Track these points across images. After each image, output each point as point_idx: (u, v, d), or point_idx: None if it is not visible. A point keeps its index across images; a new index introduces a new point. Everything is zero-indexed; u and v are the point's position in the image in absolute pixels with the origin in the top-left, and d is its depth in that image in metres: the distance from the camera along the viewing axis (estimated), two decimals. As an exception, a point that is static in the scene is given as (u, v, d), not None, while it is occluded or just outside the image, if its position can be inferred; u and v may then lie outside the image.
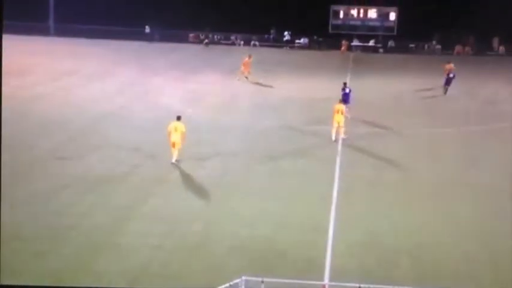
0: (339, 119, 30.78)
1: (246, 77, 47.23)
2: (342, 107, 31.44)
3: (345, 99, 37.55)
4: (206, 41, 70.59)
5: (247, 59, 48.32)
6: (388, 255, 18.51)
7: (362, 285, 14.77)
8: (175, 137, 26.30)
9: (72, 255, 17.77)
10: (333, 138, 30.68)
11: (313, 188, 23.91)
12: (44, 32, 68.31)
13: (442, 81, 44.62)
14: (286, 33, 71.95)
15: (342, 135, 30.91)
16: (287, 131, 32.60)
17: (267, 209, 21.66)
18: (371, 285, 15.00)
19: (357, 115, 33.78)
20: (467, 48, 68.42)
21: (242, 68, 47.84)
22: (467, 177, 25.73)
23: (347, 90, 37.97)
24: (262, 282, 14.69)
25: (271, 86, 45.97)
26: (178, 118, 26.84)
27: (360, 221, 20.82)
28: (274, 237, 19.40)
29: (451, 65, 46.32)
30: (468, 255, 18.66)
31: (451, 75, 44.72)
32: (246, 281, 14.70)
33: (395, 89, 46.08)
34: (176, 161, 26.34)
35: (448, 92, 44.04)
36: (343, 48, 68.02)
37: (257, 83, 46.75)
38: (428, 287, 15.85)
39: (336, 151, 28.90)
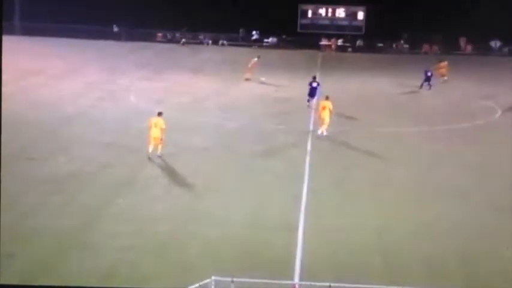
0: (325, 116, 31.12)
1: (248, 79, 47.18)
2: (328, 103, 31.53)
3: (312, 93, 37.80)
4: (184, 40, 70.21)
5: (256, 59, 48.26)
6: (358, 254, 18.45)
7: (332, 285, 14.63)
8: (156, 133, 26.51)
9: (39, 256, 17.46)
10: (320, 133, 31.13)
11: (284, 187, 23.80)
12: (9, 30, 67.29)
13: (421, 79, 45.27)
14: (254, 32, 71.91)
15: (324, 132, 31.18)
16: (257, 131, 32.48)
17: (238, 209, 21.49)
18: (341, 284, 14.90)
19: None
20: (434, 48, 68.97)
21: (250, 66, 47.79)
22: (435, 176, 25.81)
23: (314, 84, 38.28)
24: (232, 282, 14.53)
25: (240, 85, 45.84)
26: (159, 114, 27.02)
27: (330, 220, 20.75)
28: (244, 237, 19.24)
29: (445, 63, 46.71)
30: (438, 252, 18.61)
31: (429, 74, 45.23)
32: (216, 281, 14.51)
33: (364, 88, 46.30)
34: (158, 156, 26.48)
35: (422, 90, 44.84)
36: (332, 46, 68.24)
37: (226, 83, 46.60)
38: (400, 285, 15.77)
39: (306, 150, 28.84)
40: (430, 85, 45.54)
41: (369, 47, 69.50)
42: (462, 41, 69.80)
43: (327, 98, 32.22)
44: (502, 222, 20.86)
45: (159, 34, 71.28)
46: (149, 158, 26.28)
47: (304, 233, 19.64)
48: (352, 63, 60.37)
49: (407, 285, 15.32)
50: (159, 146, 26.76)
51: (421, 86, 45.68)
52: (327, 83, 41.89)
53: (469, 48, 69.26)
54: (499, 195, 23.43)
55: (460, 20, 64.24)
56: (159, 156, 26.52)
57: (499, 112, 38.45)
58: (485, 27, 62.91)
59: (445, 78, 48.43)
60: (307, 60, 59.53)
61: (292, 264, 17.56)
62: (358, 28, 71.33)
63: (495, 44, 69.08)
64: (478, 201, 22.86)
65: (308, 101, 38.15)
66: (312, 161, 27.31)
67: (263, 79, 46.46)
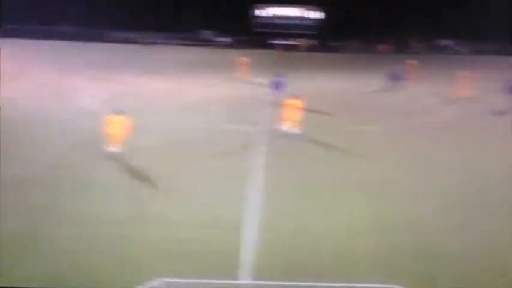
0: (292, 114, 31.30)
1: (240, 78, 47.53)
2: (295, 101, 31.63)
3: (276, 87, 38.15)
4: (145, 41, 69.51)
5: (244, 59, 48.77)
6: (311, 253, 18.18)
7: (283, 283, 14.53)
8: (114, 130, 26.59)
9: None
10: (287, 132, 31.18)
11: (237, 187, 23.36)
12: None
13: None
14: (207, 31, 71.54)
15: (291, 130, 31.19)
16: (210, 131, 32.04)
17: (190, 210, 21.04)
18: (292, 283, 14.76)
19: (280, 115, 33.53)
20: (388, 47, 69.49)
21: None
22: (393, 174, 25.67)
23: (278, 79, 38.76)
24: (183, 283, 14.30)
25: (193, 86, 45.44)
26: (118, 112, 26.95)
27: (282, 220, 20.42)
28: (196, 239, 18.80)
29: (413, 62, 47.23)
30: (393, 250, 18.43)
31: (393, 72, 45.50)
32: (167, 283, 14.25)
33: (322, 87, 46.17)
34: (119, 153, 26.41)
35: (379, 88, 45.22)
36: (298, 46, 68.44)
37: (178, 83, 46.14)
38: (353, 282, 15.48)
39: (261, 150, 28.51)
40: (395, 84, 45.80)
41: (324, 47, 69.62)
42: (414, 40, 70.41)
43: (294, 96, 32.25)
44: (457, 218, 20.79)
45: (111, 34, 70.33)
46: (107, 157, 25.84)
47: (253, 233, 19.30)
48: (308, 62, 60.30)
49: (358, 283, 15.00)
50: (118, 144, 26.59)
51: (389, 85, 45.87)
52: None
53: (421, 47, 69.87)
54: (456, 192, 23.35)
55: (412, 20, 64.99)
56: (120, 154, 26.27)
57: (450, 110, 38.59)
58: (437, 26, 63.71)
59: (410, 77, 48.75)
60: (261, 60, 59.31)
61: (243, 264, 17.20)
62: (313, 27, 71.43)
63: (447, 42, 69.89)
64: (435, 198, 22.73)
65: (271, 94, 38.47)
66: (267, 160, 26.98)
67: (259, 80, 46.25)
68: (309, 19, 71.88)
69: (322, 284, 14.83)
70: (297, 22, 72.00)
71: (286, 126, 31.48)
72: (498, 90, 41.17)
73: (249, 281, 16.12)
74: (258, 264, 17.23)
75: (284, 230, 19.58)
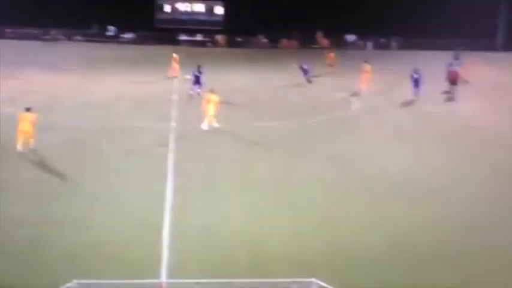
0: (210, 108, 31.19)
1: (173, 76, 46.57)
2: (214, 96, 31.50)
3: (197, 81, 38.98)
4: (47, 37, 67.27)
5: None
6: (225, 249, 18.02)
7: (200, 281, 14.18)
8: (24, 127, 26.48)
9: None
10: (205, 127, 31.03)
11: (148, 186, 22.94)
12: None
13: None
14: (111, 28, 70.15)
15: (211, 125, 31.10)
16: (118, 129, 31.33)
17: (99, 210, 20.50)
18: (209, 280, 14.43)
19: (192, 111, 33.21)
20: (293, 42, 69.97)
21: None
22: (300, 169, 25.71)
23: (197, 73, 39.43)
24: (96, 284, 13.83)
25: (98, 83, 44.43)
26: (28, 109, 26.90)
27: (196, 217, 20.16)
28: (107, 238, 18.33)
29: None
30: (306, 245, 18.49)
31: (304, 67, 45.89)
32: (79, 284, 13.69)
33: (228, 83, 45.84)
34: (29, 150, 26.11)
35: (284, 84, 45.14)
36: (219, 41, 67.79)
37: (83, 81, 45.04)
38: (267, 278, 15.38)
39: (171, 147, 28.08)
40: (308, 78, 46.20)
41: (229, 42, 69.48)
42: (319, 36, 71.19)
43: (211, 91, 32.10)
44: (363, 213, 20.98)
45: (8, 30, 67.85)
46: (17, 156, 25.19)
47: (170, 231, 18.98)
48: (214, 58, 59.95)
49: (274, 278, 14.92)
50: (31, 141, 26.36)
51: (307, 79, 46.33)
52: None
53: (326, 42, 70.69)
54: (360, 187, 23.57)
55: (317, 15, 65.65)
56: (33, 151, 25.91)
57: (357, 104, 39.21)
58: (341, 22, 64.65)
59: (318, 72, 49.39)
60: (166, 56, 58.54)
61: (158, 263, 16.88)
62: (218, 23, 71.14)
63: (350, 37, 70.99)
64: (339, 193, 22.86)
65: (192, 90, 38.99)
66: (177, 158, 26.60)
67: (122, 76, 45.40)
68: (214, 15, 71.55)
69: (238, 281, 14.65)
70: (202, 18, 71.55)
71: (203, 122, 31.26)
72: (402, 83, 42.19)
73: (164, 280, 15.77)
74: (175, 263, 16.92)
75: (200, 228, 19.29)
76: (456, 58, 50.69)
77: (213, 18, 71.11)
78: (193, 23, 70.81)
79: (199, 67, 40.23)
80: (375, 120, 34.73)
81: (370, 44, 69.88)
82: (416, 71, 40.94)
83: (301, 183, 23.86)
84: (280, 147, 29.00)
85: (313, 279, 14.38)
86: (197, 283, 14.11)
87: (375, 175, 24.79)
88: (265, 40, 70.99)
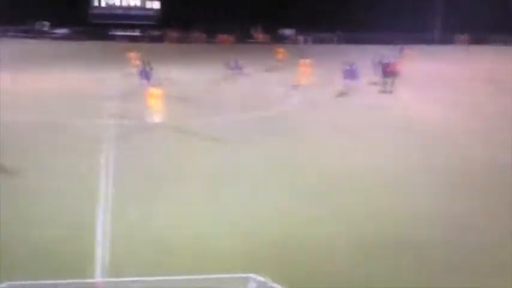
0: (154, 103, 31.32)
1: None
2: (156, 90, 31.54)
3: (146, 76, 38.82)
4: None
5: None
6: (163, 247, 17.74)
7: (136, 279, 13.96)
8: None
9: None
10: (154, 120, 31.17)
11: (84, 185, 22.35)
12: None
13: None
14: (44, 23, 68.66)
15: (157, 119, 31.16)
16: (52, 127, 30.57)
17: (32, 208, 19.97)
18: (145, 278, 14.14)
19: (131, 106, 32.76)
20: (230, 37, 69.73)
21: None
22: (238, 165, 25.49)
23: (147, 68, 39.35)
24: (28, 285, 13.61)
25: (32, 79, 43.46)
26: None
27: (133, 214, 19.78)
28: (40, 238, 17.84)
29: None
30: (245, 240, 18.33)
31: (235, 64, 45.40)
32: (10, 285, 13.33)
33: (176, 77, 45.25)
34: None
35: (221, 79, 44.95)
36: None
37: (16, 76, 43.99)
38: (209, 274, 15.14)
39: (107, 144, 27.54)
40: (239, 74, 46.23)
41: (165, 37, 68.76)
42: (256, 30, 71.09)
43: (154, 85, 32.32)
44: (304, 207, 20.88)
45: None
46: None
47: (106, 230, 18.59)
48: (151, 53, 59.17)
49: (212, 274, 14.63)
50: None
51: (235, 75, 46.25)
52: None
53: (262, 37, 70.66)
54: (301, 181, 23.46)
55: (253, 10, 65.57)
56: None
57: (296, 97, 39.18)
58: (279, 16, 64.75)
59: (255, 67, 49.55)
60: (101, 52, 57.75)
61: (93, 262, 16.49)
62: (153, 18, 70.37)
63: (288, 32, 71.08)
64: (277, 188, 22.74)
65: (141, 85, 38.66)
66: (114, 154, 26.13)
67: (56, 72, 44.54)
68: (149, 9, 70.71)
69: (174, 278, 14.37)
70: (137, 12, 70.65)
71: (146, 116, 31.23)
72: (337, 76, 42.52)
73: (100, 279, 15.43)
74: (111, 261, 16.58)
75: (138, 226, 18.95)
76: (400, 51, 51.98)
77: (149, 13, 70.27)
78: (128, 17, 69.85)
79: (148, 62, 40.06)
80: (314, 114, 34.79)
81: (309, 38, 70.05)
82: (350, 64, 41.18)
83: (241, 179, 23.62)
84: (220, 142, 28.76)
85: (251, 275, 14.22)
86: (133, 281, 13.85)
87: (314, 169, 24.78)
88: (202, 35, 70.45)
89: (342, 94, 40.15)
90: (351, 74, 40.82)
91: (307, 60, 44.94)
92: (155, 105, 31.34)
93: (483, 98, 39.48)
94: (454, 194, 22.21)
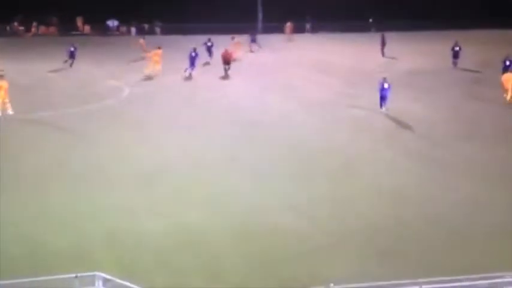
0: (1, 95, 31.03)
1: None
2: (3, 82, 31.13)
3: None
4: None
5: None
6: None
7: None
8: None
9: None
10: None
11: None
12: None
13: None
14: None
15: (9, 111, 31.09)
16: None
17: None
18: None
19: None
20: (51, 29, 67.20)
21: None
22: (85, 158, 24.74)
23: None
24: None
25: None
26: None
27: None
28: None
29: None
30: (86, 237, 17.88)
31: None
32: None
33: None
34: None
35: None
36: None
37: None
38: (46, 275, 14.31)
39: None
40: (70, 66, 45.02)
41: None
42: (79, 21, 68.94)
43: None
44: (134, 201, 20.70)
45: None
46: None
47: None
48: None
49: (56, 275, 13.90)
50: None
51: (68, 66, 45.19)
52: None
53: (87, 28, 68.71)
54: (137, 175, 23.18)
55: (76, 0, 63.64)
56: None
57: (127, 90, 38.25)
58: (102, 7, 63.28)
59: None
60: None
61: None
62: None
63: (112, 23, 69.52)
64: (117, 182, 22.34)
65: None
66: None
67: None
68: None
69: (18, 281, 13.52)
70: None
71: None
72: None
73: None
74: None
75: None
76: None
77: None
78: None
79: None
80: (149, 106, 34.48)
81: (133, 30, 68.81)
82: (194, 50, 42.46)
83: (72, 175, 23.02)
84: (51, 139, 27.77)
85: (96, 273, 13.77)
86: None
87: (151, 161, 24.61)
88: (21, 27, 67.04)
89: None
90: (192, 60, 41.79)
91: (159, 50, 43.98)
92: (2, 97, 30.80)
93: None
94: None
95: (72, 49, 45.59)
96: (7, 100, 30.83)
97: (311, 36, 66.88)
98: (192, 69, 42.03)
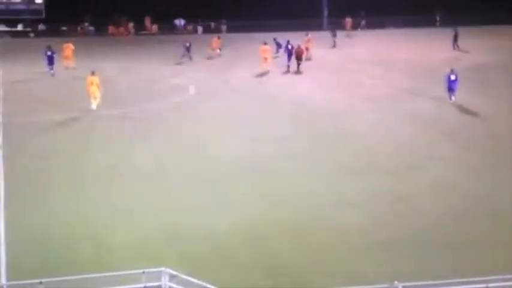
0: (94, 90, 32.09)
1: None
2: (95, 78, 32.17)
3: (51, 61, 41.15)
4: None
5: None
6: (64, 244, 17.46)
7: (43, 280, 13.39)
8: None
9: None
10: (94, 107, 32.01)
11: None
12: None
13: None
14: None
15: (93, 106, 31.93)
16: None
17: None
18: (52, 279, 13.64)
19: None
20: (121, 29, 68.24)
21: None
22: (136, 159, 25.19)
23: (49, 53, 40.97)
24: None
25: None
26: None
27: (29, 216, 19.29)
28: None
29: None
30: (152, 234, 18.16)
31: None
32: None
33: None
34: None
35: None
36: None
37: None
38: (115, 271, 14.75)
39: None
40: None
41: (52, 31, 66.31)
42: (147, 22, 69.85)
43: (92, 73, 32.63)
44: (208, 196, 21.00)
45: None
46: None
47: (6, 231, 18.10)
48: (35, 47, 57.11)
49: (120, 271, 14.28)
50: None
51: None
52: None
53: (154, 28, 69.60)
54: (202, 171, 23.52)
55: (143, 1, 64.51)
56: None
57: (192, 89, 38.58)
58: (170, 6, 64.03)
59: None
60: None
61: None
62: (38, 12, 67.99)
63: (179, 22, 70.24)
64: (181, 178, 22.72)
65: (50, 70, 41.00)
66: (7, 153, 25.34)
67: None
68: (33, 3, 68.21)
69: (82, 276, 13.89)
70: (21, 7, 68.17)
71: (91, 104, 32.03)
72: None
73: (5, 282, 15.10)
74: (11, 263, 16.25)
75: (36, 226, 18.50)
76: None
77: (33, 7, 67.72)
78: (12, 12, 67.16)
79: (49, 47, 41.18)
80: (214, 102, 34.84)
81: (200, 28, 69.41)
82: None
83: (137, 173, 23.34)
84: (112, 137, 28.18)
85: (163, 269, 14.05)
86: (40, 282, 13.34)
87: (219, 157, 24.84)
88: (91, 28, 68.41)
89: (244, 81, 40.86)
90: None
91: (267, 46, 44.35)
92: (95, 92, 31.97)
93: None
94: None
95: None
96: (99, 95, 32.01)
97: (368, 32, 65.96)
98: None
